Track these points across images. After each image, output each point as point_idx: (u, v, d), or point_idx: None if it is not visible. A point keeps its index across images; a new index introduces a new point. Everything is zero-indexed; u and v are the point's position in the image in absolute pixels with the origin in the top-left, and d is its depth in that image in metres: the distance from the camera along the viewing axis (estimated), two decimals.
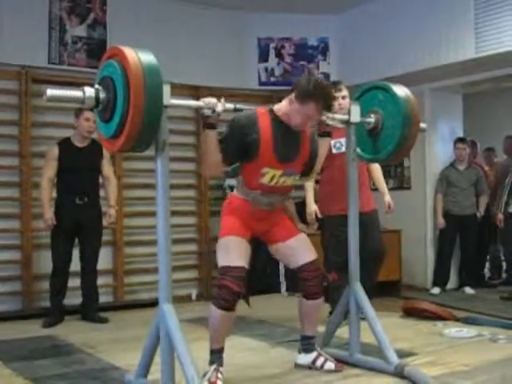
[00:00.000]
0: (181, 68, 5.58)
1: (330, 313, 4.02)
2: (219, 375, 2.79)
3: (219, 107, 2.65)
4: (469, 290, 6.04)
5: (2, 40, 5.03)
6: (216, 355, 2.85)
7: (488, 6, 5.06)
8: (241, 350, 3.42)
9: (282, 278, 5.85)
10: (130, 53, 2.41)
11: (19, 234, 5.19)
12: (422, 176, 6.36)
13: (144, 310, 5.04)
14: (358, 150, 3.26)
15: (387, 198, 4.41)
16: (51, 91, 2.42)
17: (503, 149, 6.53)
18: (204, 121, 2.70)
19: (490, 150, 7.14)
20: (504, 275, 6.60)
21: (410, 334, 3.94)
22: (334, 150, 4.08)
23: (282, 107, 2.86)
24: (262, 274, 5.76)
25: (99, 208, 4.79)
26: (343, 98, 4.01)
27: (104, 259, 4.84)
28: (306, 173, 3.04)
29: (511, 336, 3.77)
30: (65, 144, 4.65)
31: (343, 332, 3.35)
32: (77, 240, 4.72)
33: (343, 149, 3.87)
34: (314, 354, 3.10)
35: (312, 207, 4.30)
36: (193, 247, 6.14)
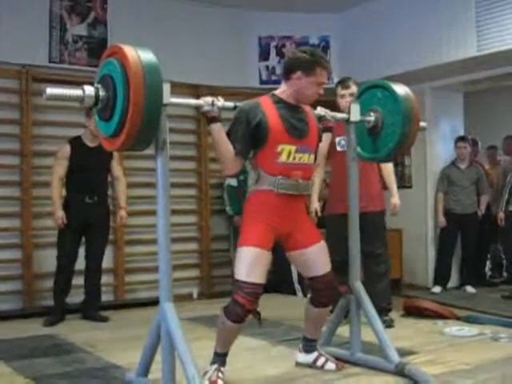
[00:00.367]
0: (181, 66, 5.57)
1: (331, 311, 4.00)
2: (220, 375, 2.79)
3: (219, 102, 2.67)
4: (470, 289, 6.03)
5: (3, 39, 5.03)
6: (220, 358, 2.85)
7: (489, 3, 5.05)
8: (241, 349, 3.40)
9: (296, 285, 5.73)
10: (129, 51, 2.39)
11: (19, 233, 5.19)
12: (422, 175, 6.36)
13: (144, 309, 5.03)
14: (358, 148, 3.25)
15: (393, 200, 4.27)
16: (51, 90, 2.42)
17: (503, 149, 6.54)
18: (206, 116, 2.69)
19: (494, 148, 7.11)
20: (505, 274, 6.59)
21: (411, 333, 3.93)
22: (338, 148, 4.04)
23: (285, 89, 2.85)
24: (279, 279, 5.68)
25: (107, 207, 4.79)
26: (351, 95, 3.93)
27: (105, 258, 4.84)
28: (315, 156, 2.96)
29: None
30: (76, 143, 4.61)
31: (344, 331, 3.35)
32: (83, 239, 4.71)
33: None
34: (314, 354, 3.10)
35: (315, 204, 4.27)
36: (193, 246, 6.15)
